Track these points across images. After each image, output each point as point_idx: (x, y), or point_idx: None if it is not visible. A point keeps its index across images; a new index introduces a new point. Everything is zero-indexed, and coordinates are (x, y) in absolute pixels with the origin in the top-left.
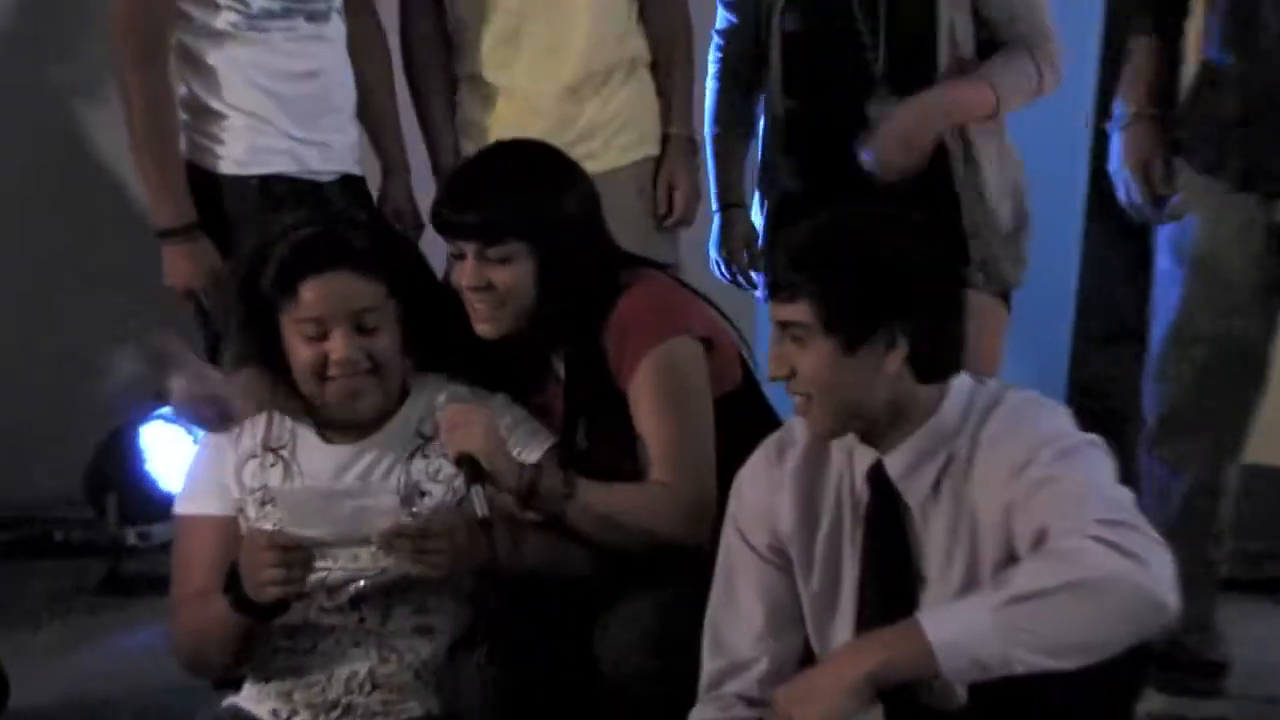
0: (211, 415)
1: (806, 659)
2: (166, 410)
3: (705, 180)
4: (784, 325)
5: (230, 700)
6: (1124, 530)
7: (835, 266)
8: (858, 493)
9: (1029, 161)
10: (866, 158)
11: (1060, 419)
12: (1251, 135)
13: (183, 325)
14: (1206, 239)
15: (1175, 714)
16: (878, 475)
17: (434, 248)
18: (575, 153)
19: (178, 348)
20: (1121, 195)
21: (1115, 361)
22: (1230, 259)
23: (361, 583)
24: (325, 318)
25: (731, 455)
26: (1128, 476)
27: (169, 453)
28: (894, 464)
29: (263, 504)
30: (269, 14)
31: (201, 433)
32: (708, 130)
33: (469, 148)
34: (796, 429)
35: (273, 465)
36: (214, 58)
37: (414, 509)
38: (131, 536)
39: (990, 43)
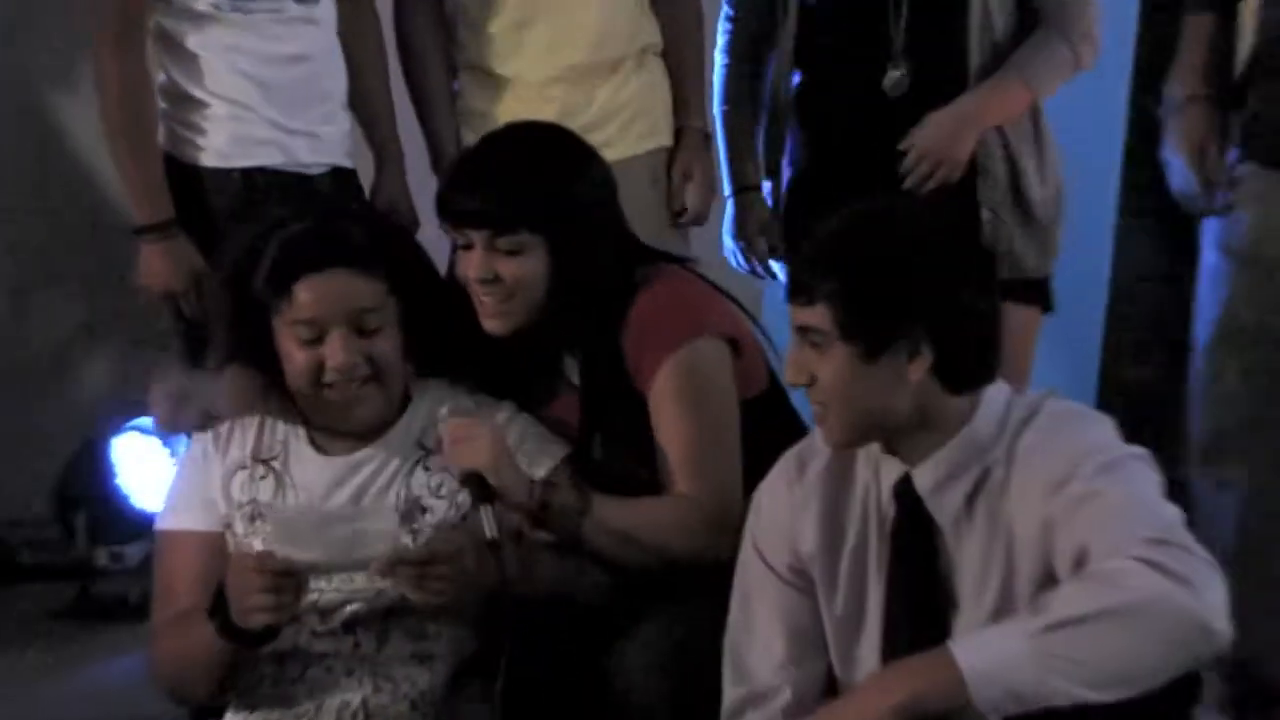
0: (193, 418)
1: (830, 685)
2: (140, 420)
3: (718, 170)
4: (803, 330)
5: None
6: (1171, 550)
7: (853, 269)
8: (884, 509)
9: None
10: (903, 171)
11: (1103, 430)
12: None
13: (160, 330)
14: (1260, 233)
15: None
16: (905, 490)
17: (432, 246)
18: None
19: (166, 372)
20: (1174, 183)
21: (1149, 365)
22: None
23: (357, 606)
24: (322, 319)
25: (757, 465)
26: (1173, 491)
27: (143, 466)
28: (923, 478)
29: (252, 519)
30: None
31: (182, 449)
32: (716, 108)
33: (471, 139)
34: (819, 440)
35: (263, 478)
36: (194, 42)
37: (414, 526)
38: (102, 558)
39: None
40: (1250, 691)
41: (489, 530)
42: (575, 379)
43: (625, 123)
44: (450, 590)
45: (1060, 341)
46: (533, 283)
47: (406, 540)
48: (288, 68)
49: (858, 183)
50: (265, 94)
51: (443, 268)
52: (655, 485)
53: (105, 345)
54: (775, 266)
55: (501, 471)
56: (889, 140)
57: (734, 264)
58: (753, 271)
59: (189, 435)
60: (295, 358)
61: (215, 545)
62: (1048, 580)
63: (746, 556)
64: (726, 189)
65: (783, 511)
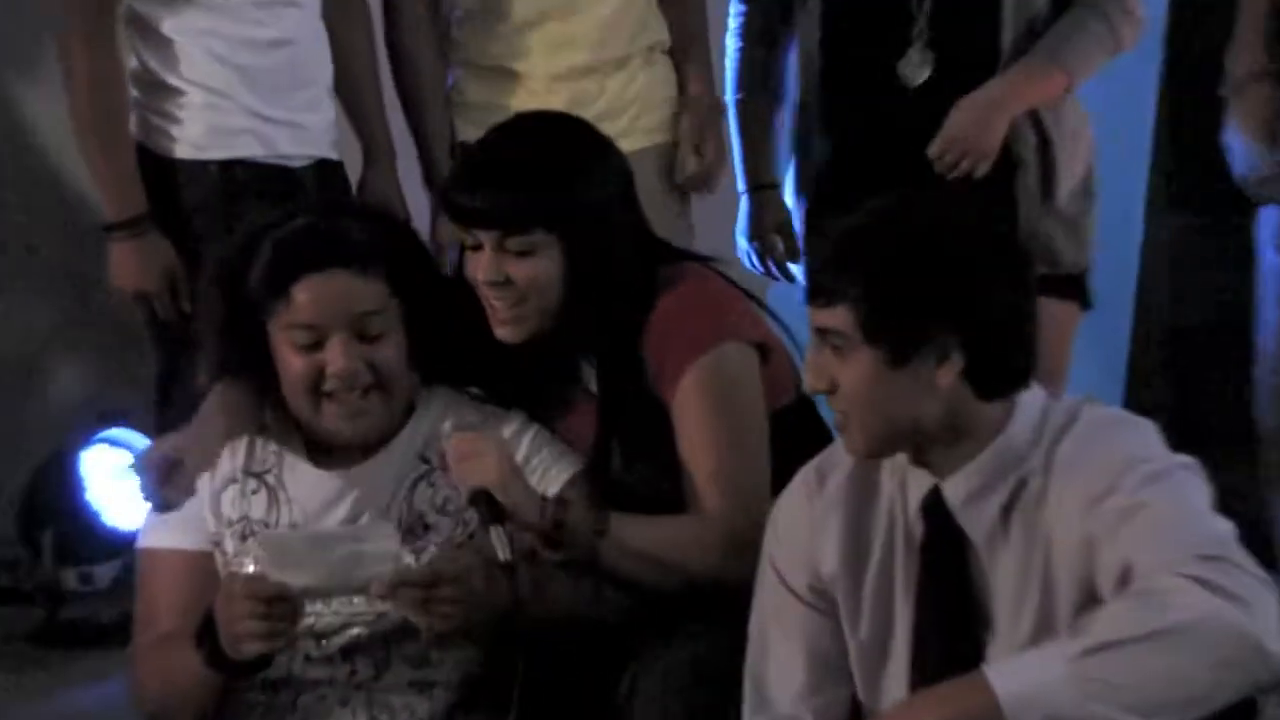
0: (185, 489)
1: (855, 713)
2: (113, 431)
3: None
4: (823, 333)
5: None
6: (1223, 567)
7: (877, 268)
8: (911, 524)
9: None
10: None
11: (1147, 438)
12: None
13: (133, 333)
14: None
15: None
16: (935, 504)
17: None
18: None
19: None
20: (1237, 168)
21: (1178, 364)
22: None
23: (356, 631)
24: (321, 323)
25: (786, 480)
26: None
27: (115, 481)
28: (954, 491)
29: (243, 537)
30: None
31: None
32: (729, 96)
33: (469, 131)
34: (839, 451)
35: (255, 492)
36: (169, 26)
37: (418, 545)
38: (71, 579)
39: None
40: None
41: (501, 552)
42: (593, 387)
43: (635, 116)
44: (457, 614)
45: (1084, 333)
46: (547, 285)
47: (409, 560)
48: (268, 53)
49: (882, 177)
50: (244, 81)
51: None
52: (677, 501)
53: (74, 350)
54: (794, 269)
55: (511, 489)
56: (913, 131)
57: (748, 266)
58: (769, 274)
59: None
60: (292, 364)
61: (202, 565)
62: (1089, 600)
63: (764, 577)
64: (741, 185)
65: (802, 528)
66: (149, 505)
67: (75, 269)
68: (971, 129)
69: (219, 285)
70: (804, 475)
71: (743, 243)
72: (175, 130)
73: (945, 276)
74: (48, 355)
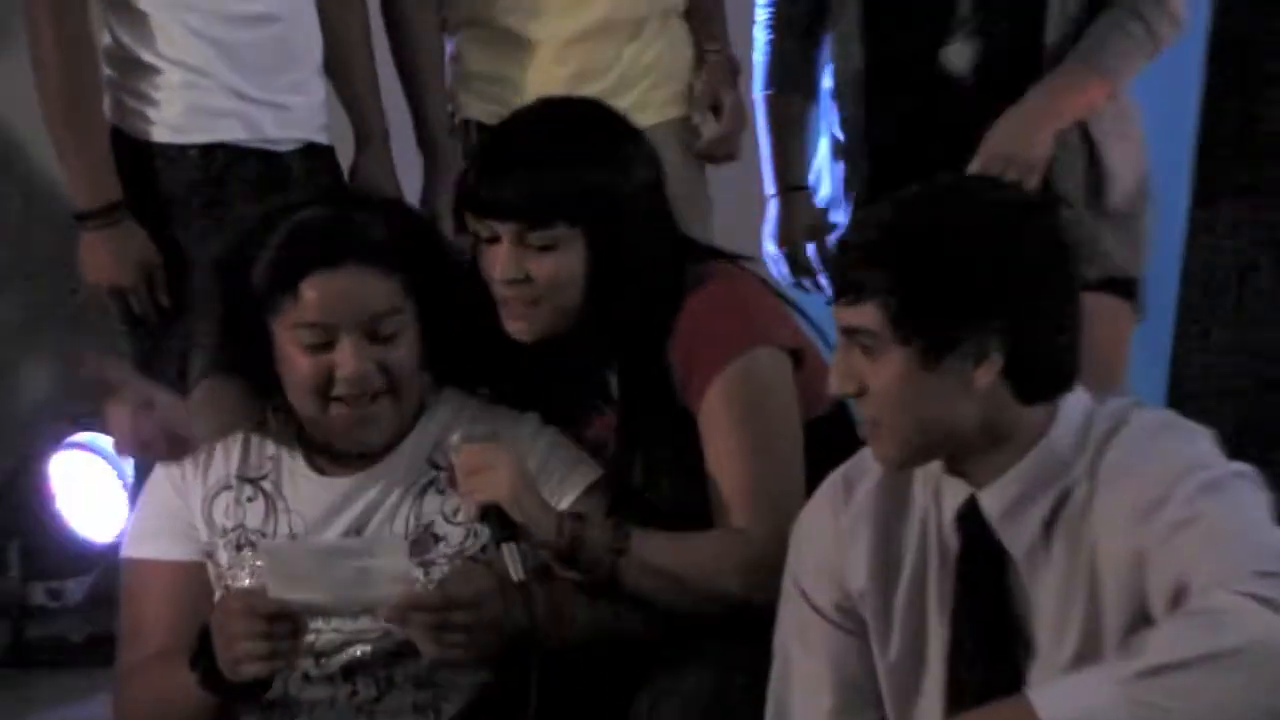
0: (163, 447)
1: None
2: (83, 436)
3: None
4: (850, 332)
5: None
6: None
7: (909, 260)
8: (946, 538)
9: None
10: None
11: (1201, 444)
12: None
13: (107, 330)
14: None
15: None
16: (971, 515)
17: None
18: None
19: (115, 370)
20: None
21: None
22: None
23: (359, 649)
24: (331, 322)
25: None
26: None
27: (85, 489)
28: (991, 501)
29: (238, 548)
30: None
31: (131, 470)
32: (758, 92)
33: (473, 105)
34: (868, 459)
35: (251, 500)
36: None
37: (427, 557)
38: (39, 595)
39: None
40: None
41: (514, 571)
42: (616, 393)
43: (650, 87)
44: (470, 644)
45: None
46: (568, 283)
47: (417, 573)
48: (253, 28)
49: (924, 173)
50: (226, 59)
51: None
52: (703, 516)
53: (42, 349)
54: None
55: (524, 504)
56: (956, 126)
57: (775, 274)
58: (798, 285)
59: (155, 461)
60: (298, 365)
61: (193, 577)
62: (1139, 619)
63: (789, 595)
64: (770, 188)
65: (828, 543)
66: (123, 456)
67: (43, 261)
68: (1015, 143)
69: (218, 278)
70: (829, 486)
71: (771, 248)
72: (152, 112)
73: (983, 267)
74: (12, 353)
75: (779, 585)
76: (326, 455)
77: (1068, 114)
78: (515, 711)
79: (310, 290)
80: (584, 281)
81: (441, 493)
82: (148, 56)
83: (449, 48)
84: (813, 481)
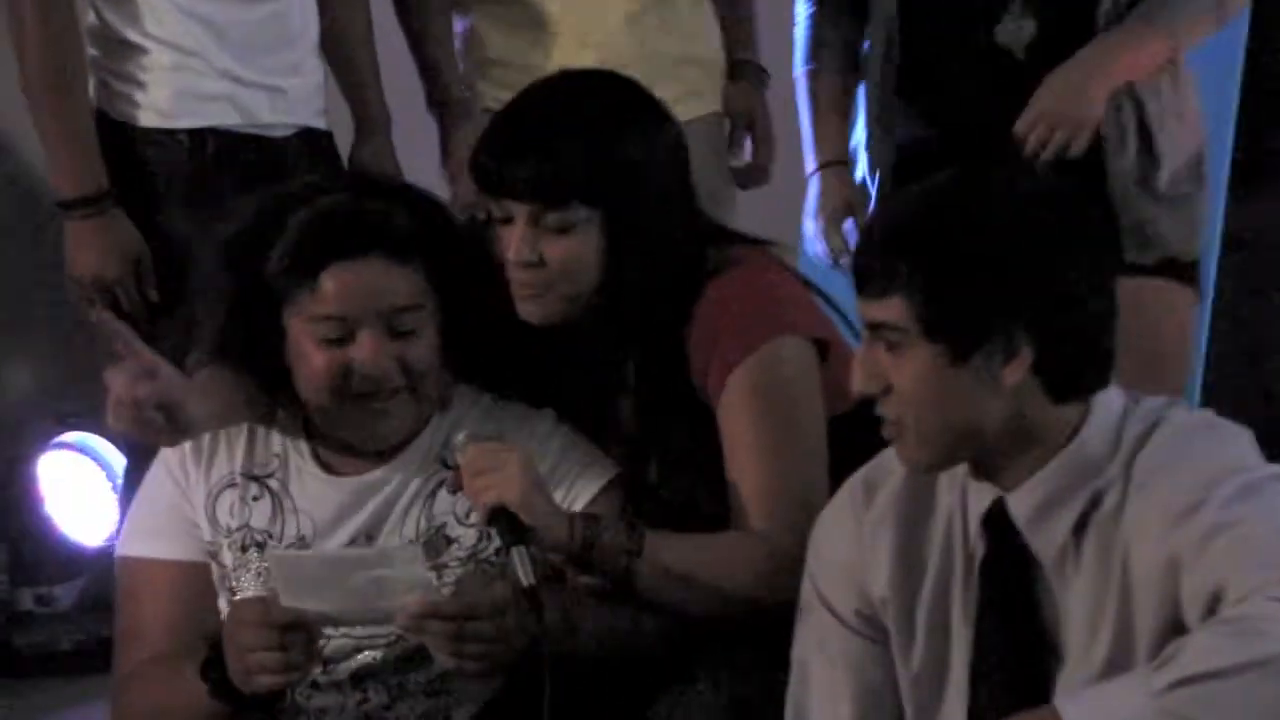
0: (158, 423)
1: None
2: (72, 435)
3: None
4: (875, 327)
5: None
6: None
7: (937, 252)
8: (972, 542)
9: None
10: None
11: (1240, 446)
12: None
13: (94, 325)
14: None
15: None
16: (999, 519)
17: None
18: None
19: (123, 329)
20: None
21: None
22: None
23: (371, 655)
24: (351, 315)
25: None
26: None
27: (74, 492)
28: (1020, 505)
29: (244, 548)
30: None
31: (121, 470)
32: (799, 68)
33: (490, 93)
34: (890, 461)
35: (257, 499)
36: None
37: (439, 560)
38: (27, 600)
39: None
40: None
41: (525, 578)
42: (633, 385)
43: (679, 80)
44: (489, 654)
45: None
46: (583, 267)
47: (430, 576)
48: (245, 6)
49: (971, 154)
50: (217, 39)
51: None
52: (720, 516)
53: (28, 345)
54: None
55: (534, 506)
56: (1008, 105)
57: (813, 254)
58: (838, 264)
59: (146, 450)
60: (313, 359)
61: (194, 577)
62: (1173, 628)
63: (807, 602)
64: (811, 164)
65: (848, 548)
66: (119, 435)
67: (23, 253)
68: (1065, 101)
69: (229, 265)
70: (849, 489)
71: (810, 227)
72: (139, 95)
73: (1014, 261)
74: None
75: (798, 588)
76: (335, 451)
77: (1122, 72)
78: None
79: (331, 281)
80: (599, 266)
81: (454, 492)
82: (134, 36)
83: (459, 26)
84: (835, 482)
